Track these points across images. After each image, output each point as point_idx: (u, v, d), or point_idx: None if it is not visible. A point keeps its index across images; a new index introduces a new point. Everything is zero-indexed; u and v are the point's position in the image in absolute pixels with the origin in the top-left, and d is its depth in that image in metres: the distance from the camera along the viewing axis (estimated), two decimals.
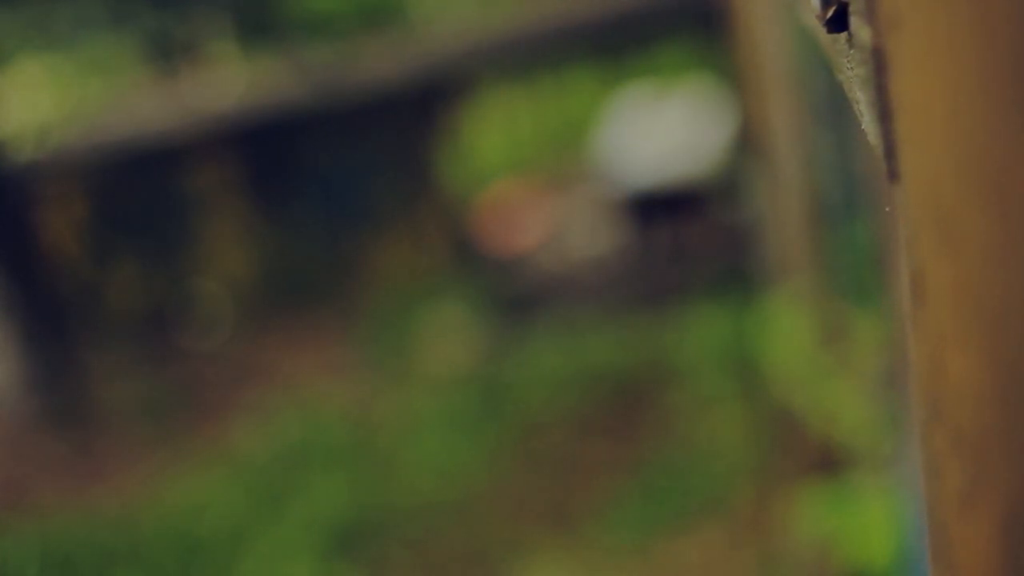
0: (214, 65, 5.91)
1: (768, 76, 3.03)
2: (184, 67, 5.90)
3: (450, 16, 6.34)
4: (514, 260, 5.40)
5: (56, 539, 4.26)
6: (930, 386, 0.42)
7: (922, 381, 0.42)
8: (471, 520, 3.92)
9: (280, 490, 4.26)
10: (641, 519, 3.73)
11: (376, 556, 3.86)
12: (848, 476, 2.64)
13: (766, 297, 3.64)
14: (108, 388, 5.28)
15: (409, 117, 5.85)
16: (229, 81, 5.81)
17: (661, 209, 5.20)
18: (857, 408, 2.53)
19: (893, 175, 0.42)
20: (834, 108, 2.51)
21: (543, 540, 3.73)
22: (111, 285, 5.83)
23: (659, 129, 5.28)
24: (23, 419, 5.26)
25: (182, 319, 5.76)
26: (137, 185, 5.86)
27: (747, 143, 3.92)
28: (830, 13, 0.48)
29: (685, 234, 5.21)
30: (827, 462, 2.81)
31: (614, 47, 6.09)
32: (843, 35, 0.49)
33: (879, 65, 0.41)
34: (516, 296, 5.22)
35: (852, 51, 0.47)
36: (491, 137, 6.11)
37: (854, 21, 0.46)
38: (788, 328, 3.06)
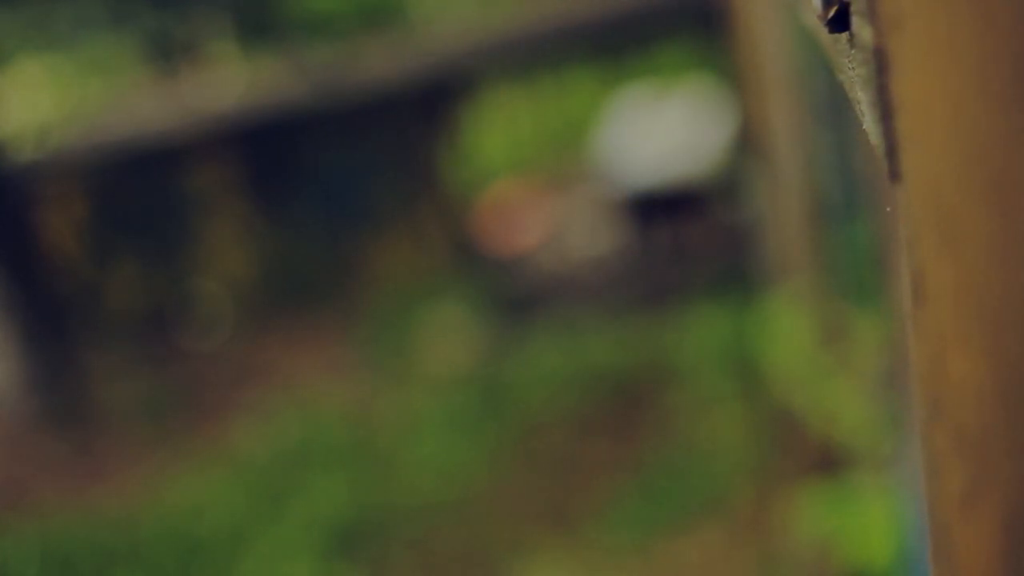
0: (214, 65, 5.91)
1: (768, 76, 3.03)
2: (184, 67, 5.90)
3: (450, 16, 6.34)
4: (514, 260, 5.40)
5: (56, 539, 4.26)
6: (931, 386, 0.42)
7: (923, 381, 0.42)
8: (471, 520, 3.92)
9: (280, 490, 4.26)
10: (641, 519, 3.73)
11: (376, 556, 3.86)
12: (848, 476, 2.64)
13: (766, 297, 3.64)
14: (108, 388, 5.28)
15: (409, 117, 5.85)
16: (229, 81, 5.81)
17: (661, 209, 5.20)
18: (857, 408, 2.53)
19: (894, 175, 0.42)
20: (834, 108, 2.51)
21: (543, 540, 3.73)
22: (111, 285, 5.83)
23: (659, 129, 5.29)
24: (23, 419, 5.26)
25: (182, 319, 5.76)
26: (137, 185, 5.86)
27: (747, 143, 3.92)
28: (831, 13, 0.48)
29: (685, 234, 5.21)
30: (827, 462, 2.81)
31: (614, 47, 6.09)
32: (844, 35, 0.49)
33: (880, 65, 0.41)
34: (516, 296, 5.22)
35: (853, 51, 0.47)
36: (491, 137, 6.11)
37: (856, 21, 0.46)
38: (788, 328, 3.06)
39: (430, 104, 5.85)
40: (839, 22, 0.48)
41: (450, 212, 5.81)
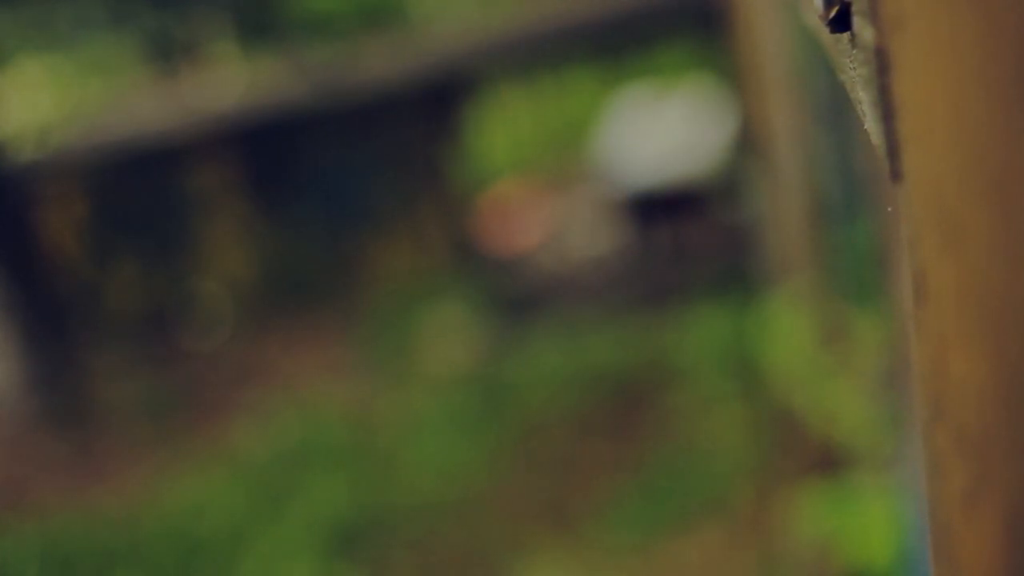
0: (214, 65, 5.91)
1: (768, 76, 3.03)
2: (184, 67, 5.90)
3: (451, 16, 6.34)
4: (514, 260, 5.40)
5: (56, 539, 4.26)
6: (932, 386, 0.42)
7: (924, 381, 0.43)
8: (471, 520, 3.92)
9: (280, 490, 4.26)
10: (641, 519, 3.73)
11: (376, 556, 3.86)
12: (848, 476, 2.64)
13: (766, 297, 3.64)
14: (108, 388, 5.28)
15: (409, 117, 5.85)
16: (229, 81, 5.81)
17: (661, 209, 5.20)
18: (857, 408, 2.53)
19: (896, 175, 0.42)
20: (835, 108, 2.51)
21: (543, 540, 3.73)
22: (111, 285, 5.83)
23: (659, 129, 5.29)
24: (23, 419, 5.26)
25: (182, 319, 5.76)
26: (137, 185, 5.86)
27: (747, 143, 3.92)
28: (833, 13, 0.48)
29: (685, 234, 5.21)
30: (827, 462, 2.81)
31: (614, 47, 6.09)
32: (846, 35, 0.49)
33: (882, 65, 0.41)
34: (516, 296, 5.22)
35: (855, 51, 0.47)
36: (491, 137, 6.11)
37: (857, 21, 0.46)
38: (788, 328, 3.06)
39: (430, 104, 5.85)
40: (840, 22, 0.48)
41: (450, 212, 5.81)
